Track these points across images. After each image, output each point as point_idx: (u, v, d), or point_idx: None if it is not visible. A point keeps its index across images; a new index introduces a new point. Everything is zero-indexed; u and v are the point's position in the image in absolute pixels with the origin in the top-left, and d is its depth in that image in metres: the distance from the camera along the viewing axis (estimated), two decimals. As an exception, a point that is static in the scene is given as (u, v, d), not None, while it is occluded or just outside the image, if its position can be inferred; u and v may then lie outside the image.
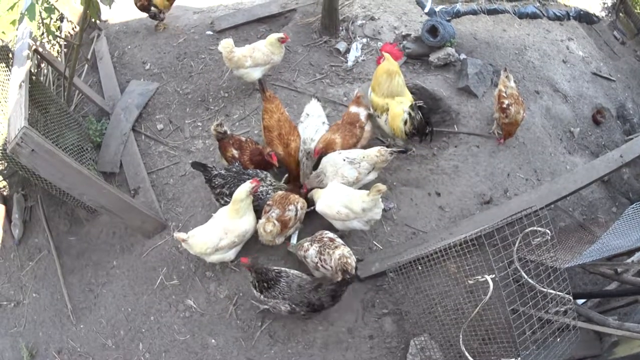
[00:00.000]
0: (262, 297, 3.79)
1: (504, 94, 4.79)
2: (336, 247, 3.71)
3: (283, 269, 3.83)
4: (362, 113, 4.54)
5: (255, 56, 4.95)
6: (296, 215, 3.99)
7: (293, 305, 3.72)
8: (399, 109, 4.45)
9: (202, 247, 3.95)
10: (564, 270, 3.40)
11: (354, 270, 3.58)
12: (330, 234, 3.93)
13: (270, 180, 4.25)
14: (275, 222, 3.84)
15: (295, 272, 3.84)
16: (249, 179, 4.11)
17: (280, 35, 4.92)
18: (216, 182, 4.18)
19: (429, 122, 4.47)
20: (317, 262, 3.77)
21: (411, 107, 4.41)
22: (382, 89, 4.51)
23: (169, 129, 5.28)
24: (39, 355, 4.65)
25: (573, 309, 3.46)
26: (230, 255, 4.11)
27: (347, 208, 3.95)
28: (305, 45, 5.87)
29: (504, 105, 4.71)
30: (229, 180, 4.15)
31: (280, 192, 4.07)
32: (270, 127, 4.40)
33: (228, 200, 4.12)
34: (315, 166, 4.43)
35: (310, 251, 3.83)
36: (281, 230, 3.93)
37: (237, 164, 4.34)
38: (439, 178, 4.82)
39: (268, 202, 4.00)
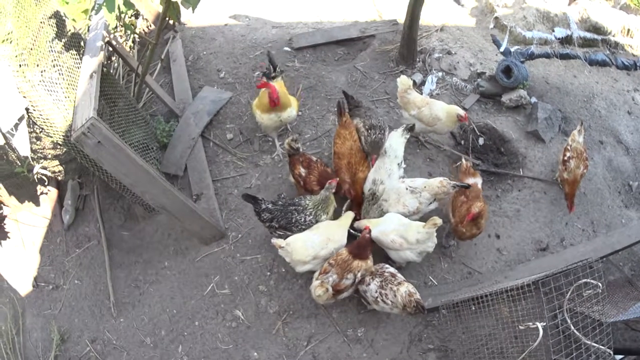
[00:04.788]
0: None
1: (568, 147, 4.81)
2: (399, 283, 3.70)
3: None
4: (479, 182, 4.48)
5: (423, 111, 4.75)
6: (353, 283, 3.88)
7: None
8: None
9: (303, 254, 3.92)
10: (609, 325, 3.40)
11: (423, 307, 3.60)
12: (391, 269, 3.92)
13: (311, 211, 4.16)
14: (329, 288, 3.74)
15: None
16: (294, 210, 4.13)
17: (461, 113, 4.66)
18: (264, 217, 4.18)
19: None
20: (377, 297, 3.76)
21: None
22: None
23: (239, 140, 5.28)
24: (71, 340, 4.71)
25: (613, 364, 3.45)
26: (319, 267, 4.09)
27: (402, 237, 3.95)
28: (382, 72, 5.85)
29: (565, 158, 4.76)
30: (276, 215, 4.13)
31: (343, 255, 3.87)
32: (340, 154, 4.39)
33: (281, 233, 4.16)
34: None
35: (371, 286, 3.81)
36: (333, 296, 3.84)
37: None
38: (500, 220, 4.79)
39: (330, 261, 3.88)
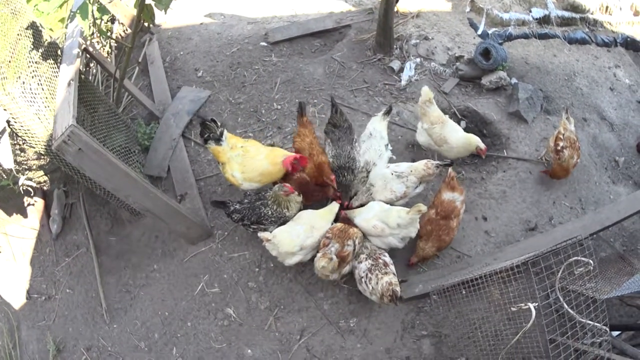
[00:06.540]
0: None
1: (561, 137, 4.72)
2: (386, 273, 3.72)
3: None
4: (459, 199, 4.22)
5: (434, 129, 4.53)
6: (354, 250, 3.91)
7: None
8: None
9: (289, 245, 3.91)
10: (603, 302, 3.38)
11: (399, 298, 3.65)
12: (387, 258, 3.93)
13: (274, 208, 4.13)
14: (334, 257, 3.74)
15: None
16: (261, 204, 4.12)
17: (482, 146, 4.50)
18: (235, 217, 4.20)
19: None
20: (362, 277, 3.80)
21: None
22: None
23: (220, 138, 5.24)
24: (66, 350, 4.69)
25: (608, 341, 3.42)
26: (307, 257, 4.09)
27: (383, 222, 3.97)
28: (360, 62, 5.84)
29: (559, 148, 4.67)
30: (245, 213, 4.14)
31: (338, 225, 3.97)
32: (301, 149, 4.38)
33: (255, 228, 4.16)
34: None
35: (362, 265, 3.85)
36: (338, 266, 3.82)
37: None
38: (487, 202, 4.78)
39: (327, 235, 3.91)
